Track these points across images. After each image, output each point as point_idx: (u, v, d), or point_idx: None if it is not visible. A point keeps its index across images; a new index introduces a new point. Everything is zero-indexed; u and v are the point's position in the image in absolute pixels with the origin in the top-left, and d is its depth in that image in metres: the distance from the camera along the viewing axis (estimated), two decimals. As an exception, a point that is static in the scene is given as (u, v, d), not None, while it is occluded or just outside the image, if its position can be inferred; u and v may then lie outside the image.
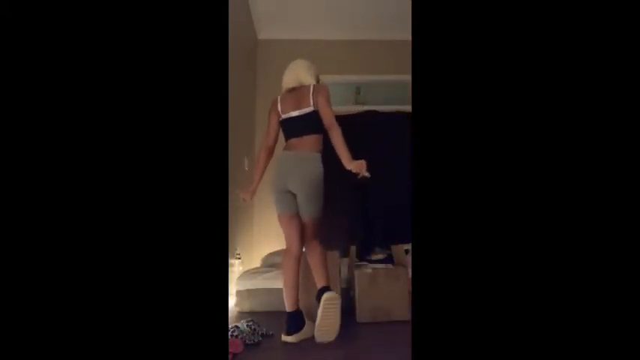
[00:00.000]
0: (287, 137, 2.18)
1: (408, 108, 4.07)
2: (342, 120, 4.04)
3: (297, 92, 2.21)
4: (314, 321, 1.91)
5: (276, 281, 2.70)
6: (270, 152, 2.24)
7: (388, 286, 2.41)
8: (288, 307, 2.02)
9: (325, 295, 1.86)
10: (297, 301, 2.05)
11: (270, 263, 3.23)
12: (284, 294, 2.06)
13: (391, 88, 4.06)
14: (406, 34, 3.87)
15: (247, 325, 1.97)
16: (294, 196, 2.09)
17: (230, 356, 1.73)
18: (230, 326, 1.94)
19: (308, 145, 2.12)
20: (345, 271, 2.69)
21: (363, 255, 2.84)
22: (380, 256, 2.76)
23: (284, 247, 2.28)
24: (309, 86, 2.19)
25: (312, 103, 2.14)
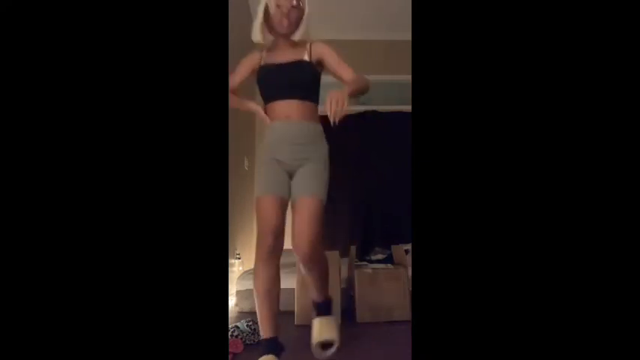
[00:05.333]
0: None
1: (408, 108, 4.08)
2: (342, 120, 4.02)
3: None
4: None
5: (276, 281, 2.70)
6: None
7: (388, 286, 2.41)
8: (265, 333, 1.46)
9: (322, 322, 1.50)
10: (276, 325, 1.48)
11: (270, 263, 3.22)
12: (259, 317, 1.48)
13: (391, 88, 4.06)
14: (406, 34, 3.88)
15: (247, 325, 1.98)
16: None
17: (230, 356, 1.73)
18: (230, 326, 1.94)
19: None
20: (345, 271, 2.69)
21: (363, 255, 2.84)
22: (380, 256, 2.76)
23: (284, 247, 1.64)
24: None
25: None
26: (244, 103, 1.63)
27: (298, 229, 1.43)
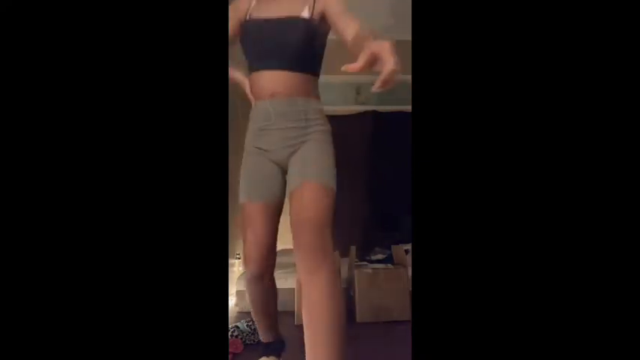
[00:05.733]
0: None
1: (408, 108, 4.08)
2: (342, 120, 4.02)
3: None
4: None
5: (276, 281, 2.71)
6: None
7: (388, 286, 2.41)
8: (264, 339, 1.38)
9: None
10: (276, 330, 1.37)
11: (270, 263, 3.23)
12: (257, 326, 1.38)
13: (391, 88, 4.06)
14: (406, 34, 3.88)
15: (247, 325, 1.98)
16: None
17: (230, 356, 1.73)
18: (230, 326, 1.94)
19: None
20: (345, 271, 2.69)
21: (363, 255, 2.84)
22: (380, 256, 2.77)
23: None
24: None
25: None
26: (229, 72, 1.19)
27: (297, 216, 1.06)
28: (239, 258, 3.20)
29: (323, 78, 1.58)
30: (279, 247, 1.39)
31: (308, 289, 1.07)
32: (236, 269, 3.09)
